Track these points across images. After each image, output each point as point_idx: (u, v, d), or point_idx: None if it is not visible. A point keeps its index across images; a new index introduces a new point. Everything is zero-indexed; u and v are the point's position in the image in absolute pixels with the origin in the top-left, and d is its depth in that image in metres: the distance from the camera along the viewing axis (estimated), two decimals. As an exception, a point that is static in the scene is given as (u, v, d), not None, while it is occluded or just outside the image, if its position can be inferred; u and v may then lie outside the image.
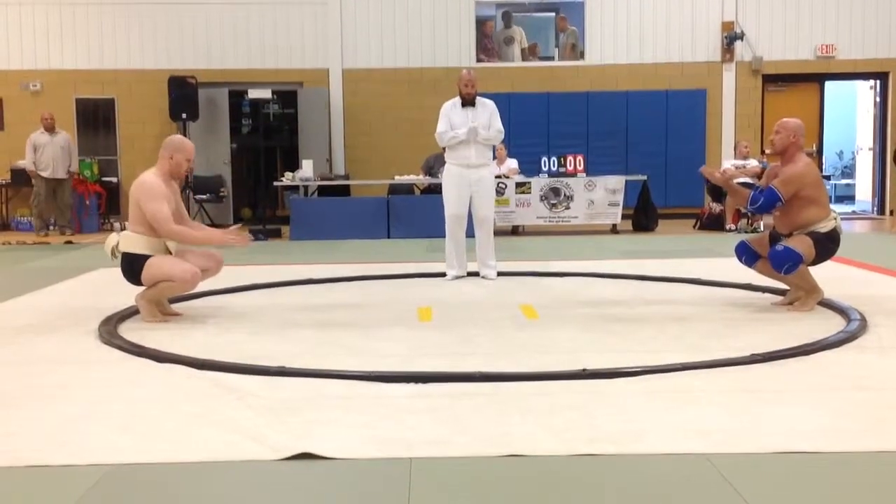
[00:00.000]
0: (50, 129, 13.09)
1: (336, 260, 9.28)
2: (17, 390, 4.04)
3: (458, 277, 7.57)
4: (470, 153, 7.54)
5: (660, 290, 6.82)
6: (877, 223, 13.98)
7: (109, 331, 5.22)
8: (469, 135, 7.47)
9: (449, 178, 7.67)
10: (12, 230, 14.00)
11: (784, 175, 5.70)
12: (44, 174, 13.01)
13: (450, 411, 3.59)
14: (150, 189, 5.61)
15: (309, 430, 3.37)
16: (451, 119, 7.57)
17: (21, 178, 13.66)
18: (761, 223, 12.09)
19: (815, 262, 5.81)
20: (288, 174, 12.76)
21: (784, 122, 5.87)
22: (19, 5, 14.50)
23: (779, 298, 6.14)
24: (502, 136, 7.79)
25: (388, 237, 11.86)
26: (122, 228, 13.83)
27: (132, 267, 5.69)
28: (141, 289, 5.77)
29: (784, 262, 5.66)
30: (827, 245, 5.78)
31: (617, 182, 12.37)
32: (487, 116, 7.58)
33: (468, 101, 7.57)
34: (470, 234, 7.70)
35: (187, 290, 5.85)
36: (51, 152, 13.01)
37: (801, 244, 5.68)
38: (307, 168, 12.56)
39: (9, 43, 14.57)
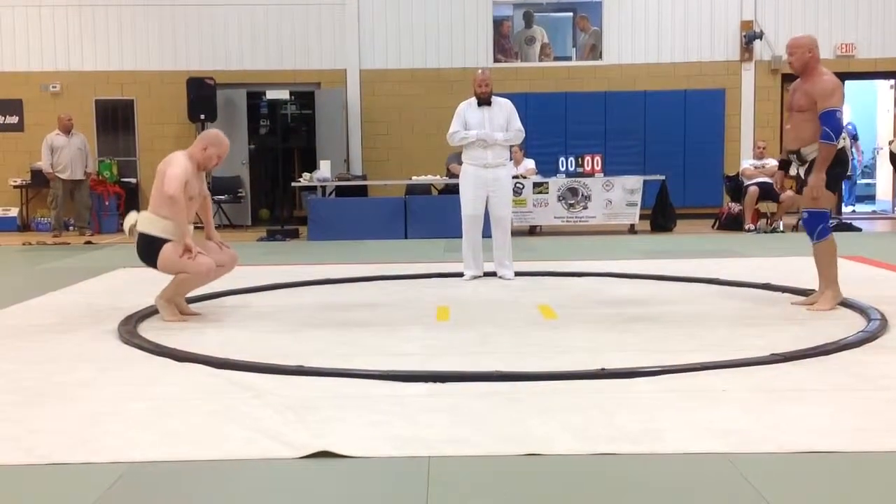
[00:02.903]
0: (67, 130, 13.16)
1: (354, 260, 9.30)
2: (38, 389, 4.06)
3: (475, 277, 7.57)
4: (486, 153, 7.53)
5: (678, 290, 6.79)
6: (897, 223, 13.88)
7: (129, 330, 5.25)
8: (480, 137, 7.45)
9: (466, 178, 7.67)
10: (32, 230, 14.09)
11: (821, 91, 5.59)
12: (62, 176, 13.08)
13: (468, 410, 3.59)
14: (176, 161, 5.67)
15: (327, 428, 3.37)
16: (467, 118, 7.56)
17: (41, 179, 13.74)
18: (780, 223, 12.03)
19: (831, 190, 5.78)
20: (305, 175, 12.79)
21: (795, 41, 5.78)
22: (39, 7, 14.59)
23: (799, 298, 6.10)
24: (523, 136, 7.77)
25: (406, 237, 11.86)
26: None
27: (148, 249, 5.70)
28: (163, 286, 5.81)
29: (814, 227, 5.70)
30: (835, 169, 5.73)
31: (635, 182, 12.33)
32: (504, 116, 7.56)
33: (484, 101, 7.56)
34: (487, 234, 7.69)
35: (202, 283, 5.88)
36: (68, 154, 13.08)
37: (809, 197, 5.70)
38: (325, 169, 12.59)
39: (29, 45, 14.66)
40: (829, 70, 5.78)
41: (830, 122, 5.56)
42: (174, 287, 5.74)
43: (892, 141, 12.50)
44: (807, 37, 5.83)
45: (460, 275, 7.62)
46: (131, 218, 5.83)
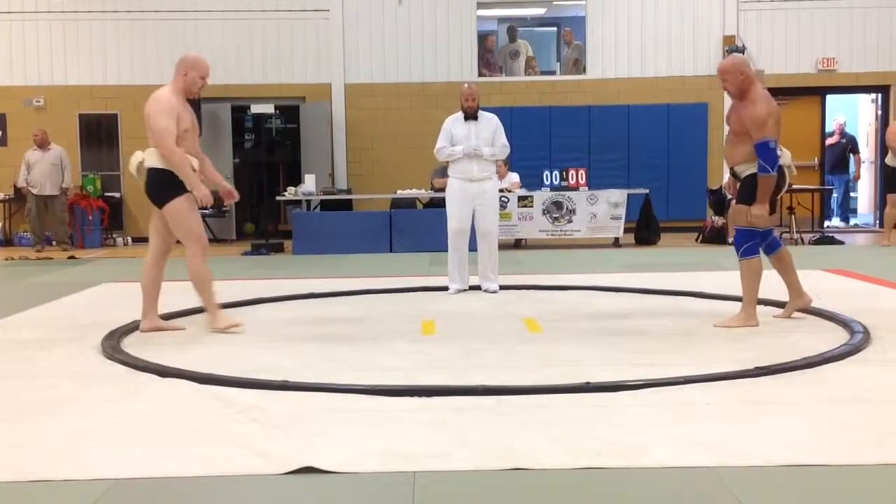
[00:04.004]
0: (40, 145, 13.10)
1: (339, 274, 9.28)
2: (20, 404, 4.03)
3: (460, 291, 7.57)
4: (472, 167, 7.55)
5: (663, 304, 6.81)
6: (879, 236, 13.95)
7: (113, 345, 5.22)
8: (466, 151, 7.46)
9: (452, 192, 7.68)
10: (15, 246, 14.01)
11: (752, 122, 5.52)
12: (33, 191, 13.03)
13: (453, 425, 3.59)
14: (161, 104, 5.61)
15: (312, 444, 3.36)
16: (454, 133, 7.57)
17: (23, 194, 13.74)
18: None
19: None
20: (290, 189, 12.77)
21: (724, 66, 5.73)
22: (22, 21, 14.56)
23: (780, 311, 6.13)
24: (508, 151, 7.79)
25: (391, 251, 11.86)
26: (126, 243, 13.96)
27: (158, 181, 5.62)
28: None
29: (740, 245, 5.71)
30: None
31: (619, 195, 12.38)
32: (491, 131, 7.58)
33: (470, 115, 7.59)
34: (473, 247, 7.69)
35: (199, 263, 5.75)
36: (40, 169, 13.03)
37: (739, 216, 5.70)
38: (309, 182, 12.58)
39: (12, 59, 14.61)
40: (765, 91, 5.72)
41: (764, 154, 5.51)
42: (204, 296, 5.77)
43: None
44: (734, 58, 5.81)
45: (445, 289, 7.62)
46: (138, 156, 5.74)
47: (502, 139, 7.62)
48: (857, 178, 15.84)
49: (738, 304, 6.46)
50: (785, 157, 5.74)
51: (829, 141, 15.62)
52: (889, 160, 12.13)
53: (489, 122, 7.62)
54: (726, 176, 12.86)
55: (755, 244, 5.72)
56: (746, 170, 5.71)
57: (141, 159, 5.71)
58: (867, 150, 16.01)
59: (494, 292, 7.51)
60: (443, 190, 12.24)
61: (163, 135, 5.53)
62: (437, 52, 14.81)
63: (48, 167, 13.07)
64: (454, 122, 7.63)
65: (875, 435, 3.40)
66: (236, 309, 6.81)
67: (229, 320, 5.83)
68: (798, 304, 6.01)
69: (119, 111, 14.64)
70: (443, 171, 12.19)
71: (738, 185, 5.82)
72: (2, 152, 14.58)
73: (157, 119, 5.55)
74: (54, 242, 13.38)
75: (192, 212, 5.70)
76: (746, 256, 5.72)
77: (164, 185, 5.62)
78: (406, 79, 14.79)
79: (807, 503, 2.82)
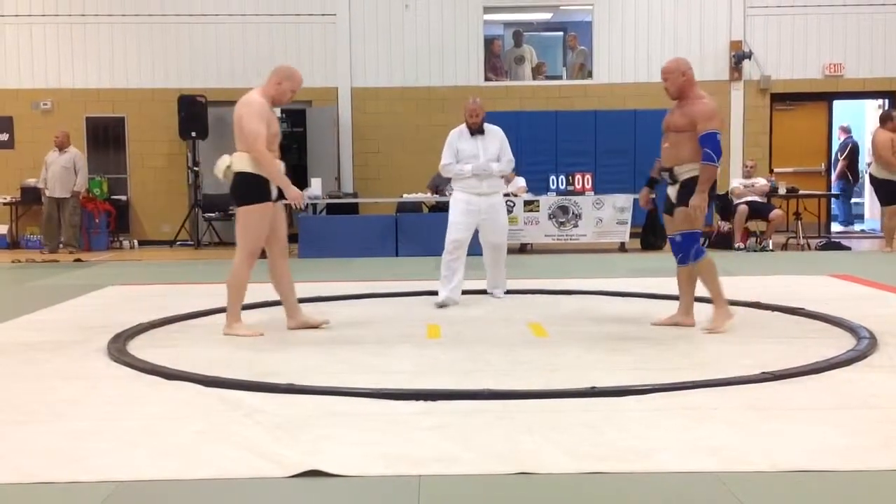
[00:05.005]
0: (60, 147, 13.14)
1: (344, 278, 9.28)
2: (26, 406, 4.04)
3: (447, 301, 7.10)
4: (481, 184, 7.31)
5: (669, 309, 6.77)
6: (885, 242, 13.91)
7: (119, 348, 5.23)
8: (476, 171, 7.26)
9: (457, 204, 7.38)
10: (22, 248, 14.04)
11: (701, 114, 5.63)
12: (47, 193, 13.08)
13: (458, 429, 3.58)
14: (255, 108, 5.68)
15: (317, 447, 3.36)
16: (460, 148, 7.34)
17: (30, 196, 13.75)
18: (769, 241, 12.06)
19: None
20: (296, 192, 12.77)
21: (667, 66, 5.86)
22: (30, 24, 14.60)
23: (784, 315, 6.10)
24: (513, 165, 7.62)
25: (397, 255, 11.86)
26: (132, 246, 13.97)
27: (243, 185, 5.69)
28: None
29: (689, 248, 5.69)
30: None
31: (625, 200, 12.37)
32: (497, 146, 7.38)
33: (476, 130, 7.40)
34: (471, 252, 7.53)
35: (243, 272, 5.86)
36: (53, 171, 13.06)
37: (684, 220, 5.70)
38: (316, 186, 12.60)
39: (20, 62, 14.65)
40: (705, 93, 5.80)
41: (711, 144, 5.56)
42: (232, 301, 5.82)
43: (870, 163, 12.53)
44: (677, 60, 5.88)
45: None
46: (225, 160, 5.80)
47: (508, 154, 7.42)
48: (840, 174, 15.76)
49: (745, 309, 6.46)
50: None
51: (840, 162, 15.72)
52: (874, 170, 12.08)
53: (495, 137, 7.41)
54: (733, 181, 12.97)
55: (700, 246, 5.78)
56: (688, 171, 5.73)
57: (229, 163, 5.78)
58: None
59: (500, 297, 7.49)
60: (435, 192, 12.29)
61: (254, 137, 5.60)
62: (443, 56, 14.81)
63: (60, 170, 13.09)
64: (460, 137, 7.38)
65: (881, 440, 3.39)
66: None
67: (248, 330, 5.85)
68: (680, 320, 5.97)
69: (126, 114, 14.66)
70: (439, 177, 12.25)
71: (676, 187, 5.81)
72: (9, 155, 14.62)
73: (250, 122, 5.63)
74: (61, 245, 13.38)
75: (262, 224, 5.75)
76: (699, 258, 5.76)
77: (247, 190, 5.70)
78: (412, 83, 14.79)
79: (813, 509, 2.81)
